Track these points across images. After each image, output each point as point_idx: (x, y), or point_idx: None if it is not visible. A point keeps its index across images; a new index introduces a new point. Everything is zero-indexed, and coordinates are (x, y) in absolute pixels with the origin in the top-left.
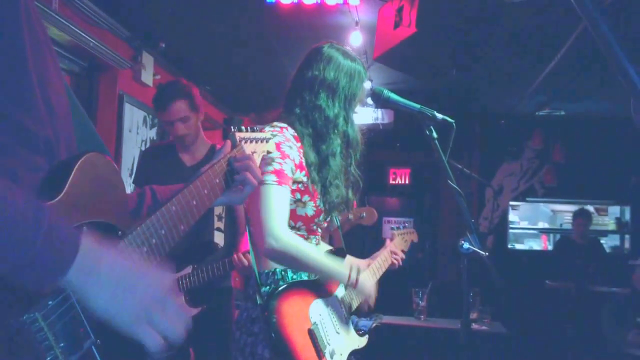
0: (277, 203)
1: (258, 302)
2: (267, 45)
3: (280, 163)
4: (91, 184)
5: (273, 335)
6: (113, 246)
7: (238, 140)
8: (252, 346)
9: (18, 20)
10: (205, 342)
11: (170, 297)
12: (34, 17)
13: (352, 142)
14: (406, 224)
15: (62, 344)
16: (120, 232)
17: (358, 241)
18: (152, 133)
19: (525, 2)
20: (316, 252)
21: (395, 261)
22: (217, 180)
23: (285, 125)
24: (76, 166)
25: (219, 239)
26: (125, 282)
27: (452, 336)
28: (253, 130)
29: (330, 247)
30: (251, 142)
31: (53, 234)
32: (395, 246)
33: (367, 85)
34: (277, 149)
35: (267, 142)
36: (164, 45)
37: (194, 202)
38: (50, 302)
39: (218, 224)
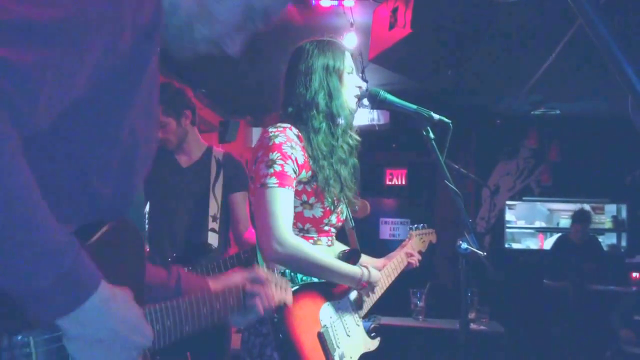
0: (279, 206)
1: None
2: (262, 47)
3: (281, 165)
4: (116, 246)
5: (281, 336)
6: (122, 303)
7: (267, 282)
8: (261, 347)
9: (137, 82)
10: (201, 346)
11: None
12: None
13: (336, 117)
14: (424, 225)
15: None
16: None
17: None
18: None
19: (520, 2)
20: (323, 255)
21: (412, 261)
22: (231, 300)
23: (289, 125)
24: (104, 229)
25: (212, 240)
26: (105, 342)
27: (451, 336)
28: (280, 278)
29: (345, 248)
30: (275, 286)
31: (73, 271)
32: (412, 247)
33: (350, 56)
34: (277, 151)
35: (286, 291)
36: (159, 49)
37: (204, 310)
38: (46, 336)
39: (212, 224)
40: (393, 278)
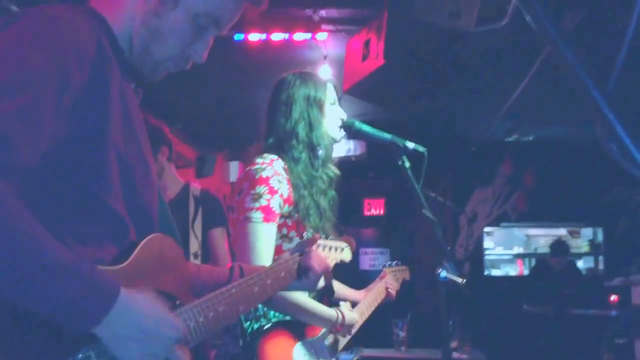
0: (263, 242)
1: (241, 342)
2: (237, 81)
3: (267, 199)
4: (155, 259)
5: None
6: (142, 303)
7: (316, 246)
8: None
9: (107, 112)
10: None
11: (173, 352)
12: (130, 105)
13: (316, 148)
14: (398, 262)
15: None
16: (178, 302)
17: (334, 272)
18: None
19: (489, 30)
20: (300, 295)
21: (392, 291)
22: (283, 274)
23: (275, 156)
24: (142, 243)
25: None
26: (135, 338)
27: None
28: (331, 240)
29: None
30: (325, 248)
31: (92, 284)
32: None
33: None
34: (265, 184)
35: (342, 250)
36: (134, 86)
37: (256, 289)
38: (103, 346)
39: (194, 261)
40: (368, 314)
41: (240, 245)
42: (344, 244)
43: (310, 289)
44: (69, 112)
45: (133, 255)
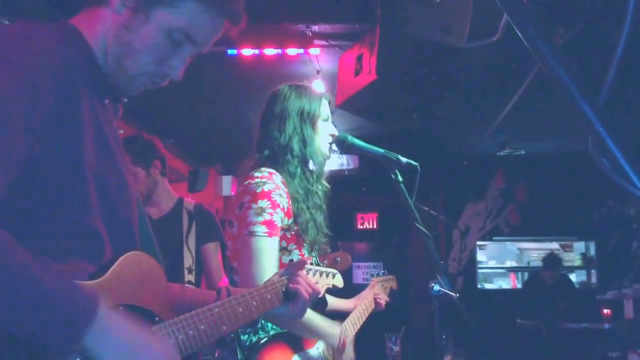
0: (267, 256)
1: (239, 356)
2: (230, 95)
3: (270, 213)
4: (133, 275)
5: None
6: (126, 318)
7: (306, 270)
8: None
9: (78, 130)
10: None
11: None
12: (103, 122)
13: (309, 163)
14: (385, 271)
15: None
16: (157, 318)
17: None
18: None
19: (481, 46)
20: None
21: (381, 302)
22: (269, 296)
23: (273, 170)
24: (120, 259)
25: None
26: (131, 351)
27: None
28: (319, 265)
29: None
30: (315, 273)
31: (74, 297)
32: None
33: (326, 101)
34: (267, 198)
35: (333, 276)
36: (126, 100)
37: (240, 310)
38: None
39: (189, 277)
40: (359, 325)
41: (244, 260)
42: (335, 270)
43: (297, 315)
44: (40, 133)
45: (110, 271)
